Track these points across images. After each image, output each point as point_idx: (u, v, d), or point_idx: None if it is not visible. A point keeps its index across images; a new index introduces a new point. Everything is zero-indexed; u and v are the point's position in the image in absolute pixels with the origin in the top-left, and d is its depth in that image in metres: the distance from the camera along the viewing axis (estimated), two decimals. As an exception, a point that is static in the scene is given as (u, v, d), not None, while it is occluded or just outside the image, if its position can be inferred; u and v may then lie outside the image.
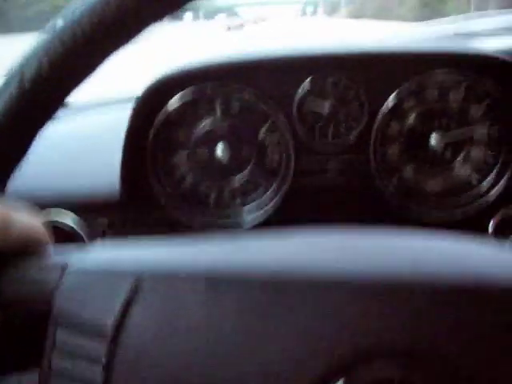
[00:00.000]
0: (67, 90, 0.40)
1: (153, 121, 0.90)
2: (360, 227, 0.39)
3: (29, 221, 0.40)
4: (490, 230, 0.91)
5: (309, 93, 0.90)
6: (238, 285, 0.35)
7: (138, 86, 0.91)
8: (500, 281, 0.34)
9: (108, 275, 0.37)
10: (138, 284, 0.36)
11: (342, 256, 0.37)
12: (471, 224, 0.92)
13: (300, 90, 0.89)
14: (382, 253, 0.37)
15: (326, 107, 0.90)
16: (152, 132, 0.90)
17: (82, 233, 0.92)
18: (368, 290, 0.34)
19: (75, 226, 0.92)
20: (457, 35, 1.31)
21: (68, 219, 0.92)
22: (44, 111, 0.40)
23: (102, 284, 0.37)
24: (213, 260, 0.38)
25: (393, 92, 0.88)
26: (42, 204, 0.93)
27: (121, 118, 0.90)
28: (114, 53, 0.39)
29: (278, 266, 0.36)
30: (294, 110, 0.90)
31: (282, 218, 0.93)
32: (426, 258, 0.36)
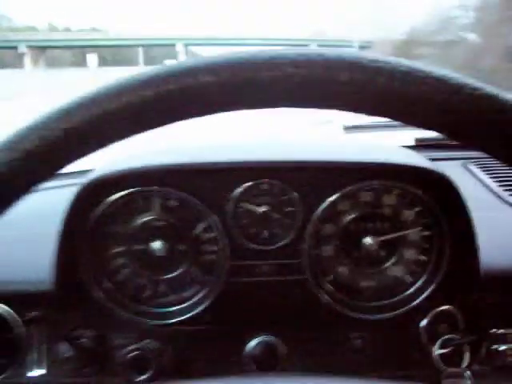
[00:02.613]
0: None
1: (90, 214, 0.90)
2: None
3: None
4: (422, 329, 0.93)
5: (243, 197, 0.91)
6: None
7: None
8: None
9: None
10: None
11: None
12: (403, 322, 0.94)
13: (235, 194, 0.91)
14: None
15: (260, 211, 0.92)
16: (88, 225, 0.90)
17: (15, 323, 0.90)
18: None
19: (6, 317, 0.90)
20: None
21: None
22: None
23: None
24: None
25: (327, 197, 0.90)
26: None
27: (61, 199, 0.90)
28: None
29: None
30: (229, 213, 0.91)
31: (215, 315, 0.93)
32: None
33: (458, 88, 0.36)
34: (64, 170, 0.40)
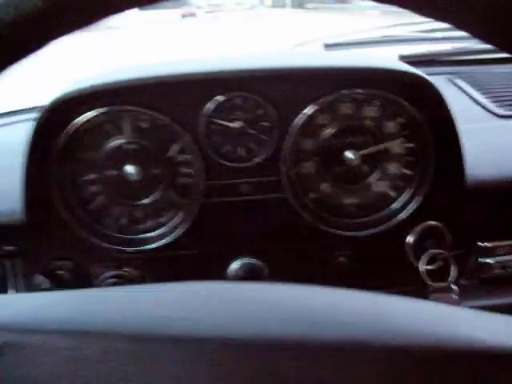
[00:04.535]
0: None
1: (56, 139, 0.85)
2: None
3: None
4: (408, 245, 0.91)
5: (216, 112, 0.86)
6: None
7: (44, 94, 0.86)
8: None
9: None
10: None
11: None
12: (389, 239, 0.92)
13: (207, 110, 0.86)
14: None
15: (234, 127, 0.87)
16: (55, 151, 0.85)
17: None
18: None
19: None
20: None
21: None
22: None
23: None
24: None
25: (304, 109, 0.85)
26: None
27: (20, 133, 0.85)
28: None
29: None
30: (202, 130, 0.86)
31: (193, 239, 0.90)
32: None
33: None
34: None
